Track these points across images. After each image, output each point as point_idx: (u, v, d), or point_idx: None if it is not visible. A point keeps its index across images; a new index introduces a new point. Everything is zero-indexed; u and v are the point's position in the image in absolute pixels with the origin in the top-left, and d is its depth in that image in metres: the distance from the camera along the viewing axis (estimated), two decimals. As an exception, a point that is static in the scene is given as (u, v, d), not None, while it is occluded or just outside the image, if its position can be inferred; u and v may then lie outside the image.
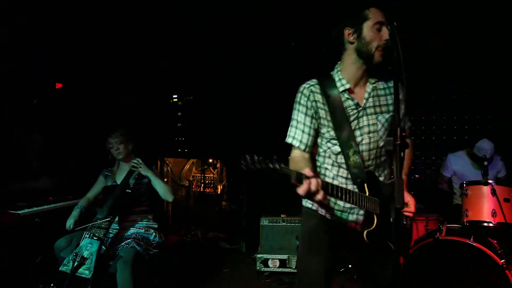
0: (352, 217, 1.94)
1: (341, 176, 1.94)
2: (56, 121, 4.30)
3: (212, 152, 5.74)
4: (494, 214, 3.07)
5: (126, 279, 2.65)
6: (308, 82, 1.98)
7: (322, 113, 1.92)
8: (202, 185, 5.85)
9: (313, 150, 1.99)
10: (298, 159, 1.93)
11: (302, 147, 1.93)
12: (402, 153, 1.46)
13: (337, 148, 1.90)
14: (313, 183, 1.54)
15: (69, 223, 3.05)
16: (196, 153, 5.65)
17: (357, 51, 1.86)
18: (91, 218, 3.03)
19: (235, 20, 5.12)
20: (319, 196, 1.56)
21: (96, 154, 4.28)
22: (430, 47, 4.96)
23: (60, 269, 2.63)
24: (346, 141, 1.87)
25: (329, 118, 1.90)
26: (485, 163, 3.38)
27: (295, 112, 1.97)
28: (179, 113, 5.58)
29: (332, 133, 1.90)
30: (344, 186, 1.80)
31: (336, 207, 1.96)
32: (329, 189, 1.64)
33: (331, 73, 1.98)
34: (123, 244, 2.92)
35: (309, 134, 1.93)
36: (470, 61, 4.83)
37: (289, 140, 1.96)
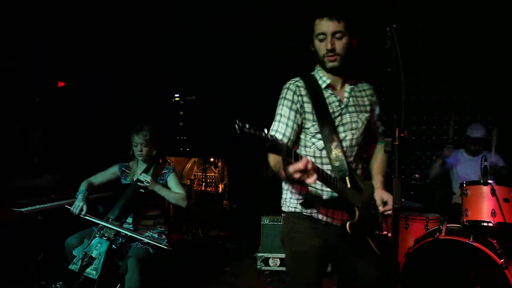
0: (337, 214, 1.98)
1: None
2: (59, 118, 4.33)
3: (214, 151, 5.76)
4: (493, 214, 3.08)
5: (134, 278, 2.67)
6: (293, 79, 2.04)
7: (307, 107, 1.96)
8: (204, 184, 5.87)
9: (294, 146, 1.98)
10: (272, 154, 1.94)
11: (285, 140, 1.89)
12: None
13: (322, 144, 1.95)
14: (310, 162, 1.57)
15: (80, 207, 2.89)
16: (197, 152, 5.67)
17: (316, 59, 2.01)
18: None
19: (237, 20, 5.14)
20: (312, 178, 1.58)
21: (99, 152, 4.32)
22: (431, 46, 4.97)
23: (70, 267, 2.64)
24: (329, 136, 1.93)
25: (313, 112, 1.96)
26: (485, 163, 3.39)
27: (279, 107, 2.00)
28: (181, 112, 5.60)
29: (317, 127, 1.95)
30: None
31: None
32: (320, 171, 1.71)
33: (312, 73, 2.08)
34: (136, 243, 2.94)
35: (292, 128, 1.93)
36: (471, 61, 4.83)
37: (271, 133, 1.91)
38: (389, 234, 1.99)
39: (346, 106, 2.01)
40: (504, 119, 4.67)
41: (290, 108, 1.95)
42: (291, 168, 1.56)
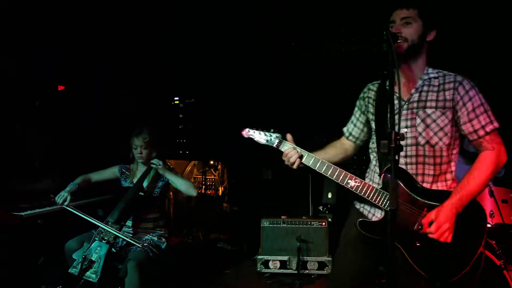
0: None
1: (373, 170, 2.09)
2: (59, 122, 4.34)
3: (214, 153, 5.76)
4: (492, 215, 3.10)
5: (134, 281, 2.68)
6: (374, 81, 2.16)
7: (371, 108, 2.10)
8: (204, 186, 5.87)
9: (359, 141, 2.23)
10: (335, 141, 2.30)
11: (346, 133, 2.25)
12: (396, 156, 1.48)
13: (375, 142, 2.04)
14: (290, 156, 1.98)
15: (64, 197, 2.98)
16: (197, 155, 5.67)
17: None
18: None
19: (236, 20, 5.15)
20: (295, 164, 1.98)
21: (99, 155, 4.33)
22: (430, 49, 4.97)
23: (69, 271, 2.64)
24: (382, 136, 1.87)
25: (374, 112, 2.06)
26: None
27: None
28: (181, 115, 5.61)
29: (373, 126, 2.06)
30: (376, 180, 2.01)
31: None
32: (312, 161, 1.97)
33: None
34: (136, 246, 2.93)
35: (354, 125, 2.21)
36: (469, 63, 4.84)
37: (345, 128, 2.28)
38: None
39: (406, 103, 1.93)
40: (503, 121, 4.68)
41: (358, 107, 2.20)
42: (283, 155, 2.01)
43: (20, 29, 3.96)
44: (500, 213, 3.07)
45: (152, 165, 3.14)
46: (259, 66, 5.45)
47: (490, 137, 1.82)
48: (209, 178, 5.95)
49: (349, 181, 1.91)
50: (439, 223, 1.68)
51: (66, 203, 2.97)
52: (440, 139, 1.85)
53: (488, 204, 3.15)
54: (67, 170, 3.96)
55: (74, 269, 2.63)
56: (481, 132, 1.82)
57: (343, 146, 2.28)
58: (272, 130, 2.09)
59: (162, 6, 4.84)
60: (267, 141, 2.09)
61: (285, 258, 4.13)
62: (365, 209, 2.08)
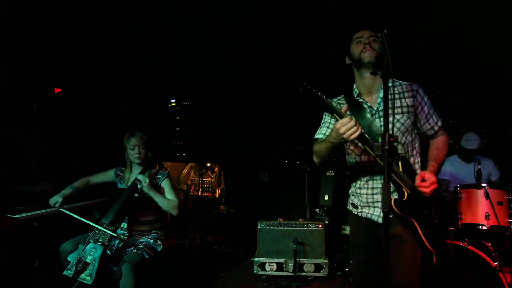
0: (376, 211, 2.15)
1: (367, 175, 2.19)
2: (55, 125, 4.33)
3: (210, 156, 5.76)
4: (487, 217, 3.11)
5: (129, 283, 2.67)
6: (335, 98, 2.29)
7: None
8: (200, 189, 5.87)
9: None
10: (317, 144, 2.27)
11: (321, 136, 2.25)
12: (390, 159, 1.49)
13: (358, 150, 2.16)
14: (354, 121, 1.80)
15: (56, 201, 3.01)
16: (194, 157, 5.67)
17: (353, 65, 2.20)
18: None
19: (235, 25, 5.17)
20: (356, 134, 1.78)
21: (95, 158, 4.32)
22: (426, 51, 5.00)
23: (64, 273, 2.63)
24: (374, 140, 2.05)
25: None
26: (479, 167, 3.42)
27: (324, 117, 2.30)
28: (177, 118, 5.61)
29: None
30: (370, 181, 2.16)
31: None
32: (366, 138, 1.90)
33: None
34: (131, 249, 2.94)
35: (327, 128, 2.25)
36: (465, 65, 4.87)
37: (315, 136, 2.31)
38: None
39: (377, 111, 2.13)
40: (499, 124, 4.71)
41: (331, 117, 2.22)
42: (338, 124, 1.81)
43: (16, 32, 3.96)
44: (496, 215, 3.08)
45: (137, 182, 3.03)
46: (257, 68, 5.47)
47: (442, 128, 2.29)
48: (206, 181, 5.95)
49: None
50: (431, 180, 1.98)
51: (57, 205, 2.99)
52: (407, 138, 2.15)
53: (483, 206, 3.16)
54: (64, 172, 3.96)
55: (69, 271, 2.62)
56: (436, 127, 2.25)
57: None
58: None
59: (160, 8, 4.86)
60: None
61: (282, 260, 4.13)
62: (363, 212, 2.21)
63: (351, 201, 2.32)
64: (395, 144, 1.76)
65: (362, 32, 2.17)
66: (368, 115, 2.12)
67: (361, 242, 2.24)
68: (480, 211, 3.16)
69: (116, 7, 4.54)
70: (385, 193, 1.44)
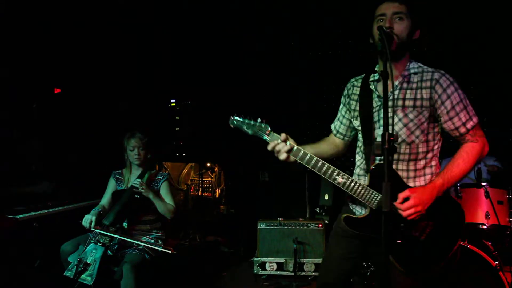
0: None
1: (360, 167, 2.05)
2: (55, 125, 4.33)
3: (210, 156, 5.77)
4: (487, 216, 3.11)
5: (130, 284, 2.66)
6: (356, 77, 2.12)
7: (353, 104, 2.07)
8: (200, 189, 5.87)
9: (347, 138, 2.21)
10: (327, 137, 2.26)
11: (334, 131, 2.22)
12: (390, 157, 1.48)
13: (361, 140, 2.00)
14: (273, 145, 1.89)
15: (90, 220, 2.81)
16: (194, 157, 5.67)
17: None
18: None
19: (234, 24, 5.16)
20: (281, 156, 1.87)
21: (95, 159, 4.32)
22: (425, 50, 4.99)
23: (64, 274, 2.62)
24: (368, 132, 1.95)
25: (357, 109, 2.03)
26: (479, 166, 3.41)
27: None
28: (177, 118, 5.60)
29: (358, 123, 2.03)
30: (362, 176, 2.00)
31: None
32: (301, 155, 1.88)
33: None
34: (132, 249, 2.93)
35: (341, 122, 2.19)
36: (465, 64, 4.86)
37: (332, 125, 2.25)
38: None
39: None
40: (500, 122, 4.71)
41: (343, 104, 2.16)
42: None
43: (16, 32, 3.96)
44: (496, 215, 3.08)
45: (134, 187, 3.00)
46: (257, 68, 5.46)
47: (473, 131, 1.84)
48: (206, 181, 5.95)
49: (336, 177, 1.86)
50: (411, 203, 1.70)
51: (93, 225, 2.82)
52: (417, 137, 1.84)
53: (484, 206, 3.15)
54: (64, 173, 3.96)
55: (70, 272, 2.60)
56: (463, 130, 1.83)
57: (334, 142, 2.25)
58: (259, 120, 1.98)
59: (159, 8, 4.85)
60: (254, 131, 1.98)
61: (282, 260, 4.13)
62: (356, 210, 2.06)
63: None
64: (395, 144, 1.55)
65: (386, 5, 1.84)
66: (375, 105, 1.94)
67: (340, 233, 2.07)
68: (480, 210, 3.16)
69: (116, 7, 4.54)
70: (385, 193, 1.43)
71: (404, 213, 1.70)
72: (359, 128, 2.02)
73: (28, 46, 4.10)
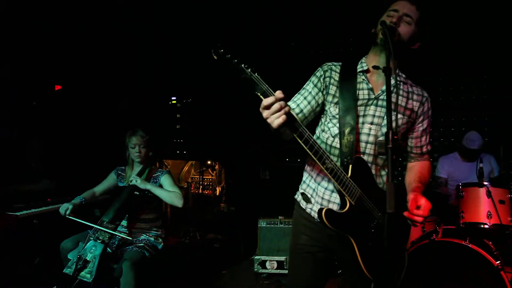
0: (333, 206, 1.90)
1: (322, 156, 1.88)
2: (56, 123, 4.32)
3: (211, 154, 5.75)
4: (489, 215, 3.09)
5: (129, 281, 2.66)
6: (333, 62, 1.98)
7: (332, 89, 1.90)
8: (201, 187, 5.87)
9: (306, 121, 1.92)
10: None
11: (297, 110, 1.88)
12: (394, 156, 1.47)
13: (336, 130, 1.87)
14: (279, 103, 1.51)
15: (66, 208, 2.90)
16: (194, 155, 5.66)
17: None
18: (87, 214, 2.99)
19: (234, 23, 5.14)
20: (279, 120, 1.49)
21: (95, 156, 4.31)
22: (427, 49, 4.98)
23: (64, 271, 2.62)
24: (347, 123, 1.83)
25: (337, 95, 1.88)
26: (481, 165, 3.40)
27: (307, 83, 1.98)
28: (178, 115, 5.59)
29: (336, 111, 1.87)
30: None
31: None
32: (298, 126, 1.57)
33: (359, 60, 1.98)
34: (132, 247, 2.93)
35: (309, 103, 1.90)
36: (467, 63, 4.85)
37: (288, 102, 1.90)
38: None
39: (376, 98, 1.87)
40: (502, 121, 4.70)
41: (315, 85, 1.93)
42: (261, 105, 1.54)
43: (16, 31, 3.94)
44: (498, 214, 3.06)
45: (130, 183, 3.05)
46: (257, 68, 5.43)
47: (428, 154, 2.06)
48: (207, 178, 5.94)
49: (326, 161, 1.67)
50: (425, 207, 1.70)
51: (68, 212, 2.89)
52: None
53: (485, 205, 3.14)
54: (64, 171, 3.95)
55: (69, 269, 2.60)
56: (424, 149, 2.03)
57: None
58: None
59: (159, 8, 4.83)
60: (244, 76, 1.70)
61: (282, 258, 4.12)
62: (313, 210, 1.97)
63: (302, 190, 2.07)
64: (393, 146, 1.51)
65: (403, 3, 1.82)
66: (362, 97, 1.86)
67: (306, 248, 1.98)
68: (482, 209, 3.14)
69: (116, 7, 4.52)
70: (389, 193, 1.42)
71: (421, 219, 1.69)
72: (336, 116, 1.87)
73: (28, 46, 4.09)
